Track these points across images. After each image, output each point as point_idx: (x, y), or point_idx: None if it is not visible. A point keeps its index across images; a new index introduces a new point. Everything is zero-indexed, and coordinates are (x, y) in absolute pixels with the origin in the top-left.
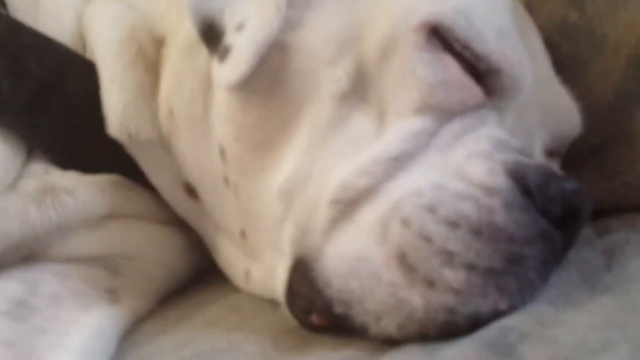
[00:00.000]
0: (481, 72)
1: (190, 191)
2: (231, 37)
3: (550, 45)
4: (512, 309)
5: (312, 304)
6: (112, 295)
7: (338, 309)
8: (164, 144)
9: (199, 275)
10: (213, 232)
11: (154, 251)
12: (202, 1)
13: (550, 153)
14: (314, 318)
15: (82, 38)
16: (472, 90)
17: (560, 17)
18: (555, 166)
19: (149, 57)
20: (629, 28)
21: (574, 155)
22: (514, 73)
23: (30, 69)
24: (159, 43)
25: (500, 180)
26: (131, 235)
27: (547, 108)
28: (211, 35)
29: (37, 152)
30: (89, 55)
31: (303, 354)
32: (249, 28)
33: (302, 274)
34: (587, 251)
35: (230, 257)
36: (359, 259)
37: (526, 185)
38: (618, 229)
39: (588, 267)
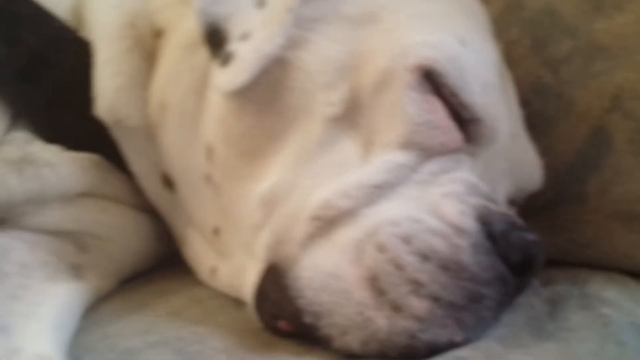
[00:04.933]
0: (463, 119)
1: (167, 182)
2: (234, 45)
3: (523, 101)
4: (466, 342)
5: (281, 310)
6: (77, 270)
7: (307, 319)
8: (149, 133)
9: (161, 262)
10: (183, 224)
11: (123, 234)
12: (210, 5)
13: (511, 201)
14: (282, 323)
15: (78, 14)
16: (454, 135)
17: (536, 76)
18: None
19: (146, 46)
20: (596, 97)
21: (528, 205)
22: (492, 125)
23: (24, 38)
24: (156, 33)
25: (470, 223)
26: (103, 216)
27: (514, 160)
28: (215, 39)
29: (22, 121)
30: (84, 33)
31: (267, 356)
32: (253, 39)
33: (275, 280)
34: (533, 297)
35: (198, 251)
36: (332, 275)
37: (491, 231)
38: (561, 281)
39: (533, 312)
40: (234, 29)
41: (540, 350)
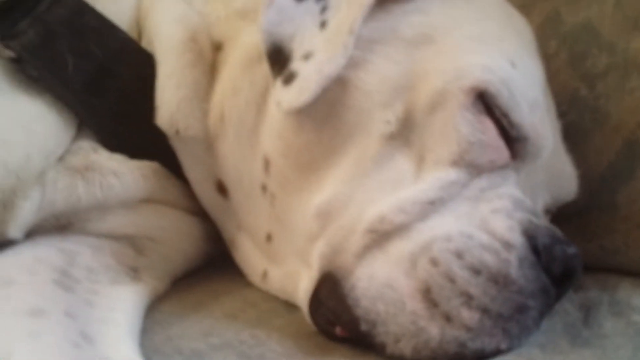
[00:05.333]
0: (511, 137)
1: (221, 189)
2: (297, 64)
3: (559, 112)
4: (510, 349)
5: (337, 317)
6: (135, 273)
7: (363, 327)
8: (207, 143)
9: (209, 262)
10: (234, 229)
11: (176, 237)
12: (275, 25)
13: (546, 210)
14: (338, 330)
15: (138, 24)
16: (502, 153)
17: (573, 89)
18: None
19: (207, 59)
20: (631, 112)
21: (560, 212)
22: (538, 143)
23: (92, 50)
24: (216, 47)
25: (517, 238)
26: (160, 220)
27: (552, 172)
28: (278, 57)
29: (86, 130)
30: (144, 43)
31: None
32: (316, 59)
33: (331, 289)
34: (567, 303)
35: (249, 255)
36: (387, 285)
37: (536, 244)
38: (591, 287)
39: (568, 319)
40: (297, 48)
41: (578, 356)
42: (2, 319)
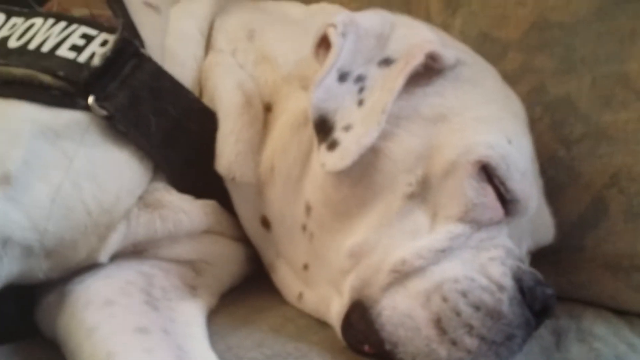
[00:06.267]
0: (506, 200)
1: (265, 223)
2: (339, 134)
3: (540, 169)
4: None
5: (366, 338)
6: (195, 291)
7: (387, 347)
8: (257, 188)
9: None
10: (273, 255)
11: (226, 260)
12: (322, 101)
13: (529, 252)
14: (366, 347)
15: (199, 84)
16: (498, 212)
17: (552, 150)
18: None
19: (260, 120)
20: (599, 174)
21: (540, 252)
22: (527, 204)
23: (168, 110)
24: (266, 107)
25: (508, 281)
26: (214, 247)
27: (535, 222)
28: (323, 127)
29: (160, 173)
30: (205, 100)
31: None
32: (354, 131)
33: (360, 314)
34: (542, 329)
35: (286, 278)
36: (406, 315)
37: (522, 286)
38: (562, 315)
39: (543, 342)
40: (339, 121)
41: None
42: (116, 336)
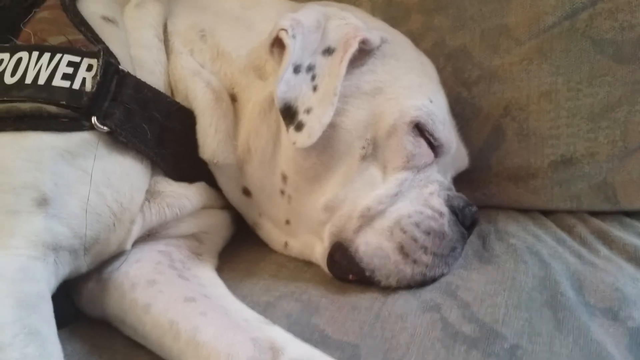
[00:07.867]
0: (434, 146)
1: (246, 192)
2: (302, 116)
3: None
4: (448, 272)
5: (349, 269)
6: (201, 257)
7: (367, 273)
8: (237, 167)
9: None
10: (256, 215)
11: (219, 227)
12: (284, 92)
13: (452, 177)
14: (350, 276)
15: (170, 86)
16: (430, 156)
17: (456, 92)
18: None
19: (231, 110)
20: (495, 107)
21: (458, 175)
22: (450, 145)
23: (155, 116)
24: (232, 99)
25: (445, 208)
26: (209, 218)
27: (454, 155)
28: (288, 112)
29: (157, 169)
30: (179, 100)
31: (348, 294)
32: (315, 112)
33: (342, 253)
34: (472, 235)
35: (271, 232)
36: (377, 248)
37: (454, 209)
38: (483, 221)
39: (473, 246)
40: (301, 105)
41: (485, 270)
42: (172, 307)
